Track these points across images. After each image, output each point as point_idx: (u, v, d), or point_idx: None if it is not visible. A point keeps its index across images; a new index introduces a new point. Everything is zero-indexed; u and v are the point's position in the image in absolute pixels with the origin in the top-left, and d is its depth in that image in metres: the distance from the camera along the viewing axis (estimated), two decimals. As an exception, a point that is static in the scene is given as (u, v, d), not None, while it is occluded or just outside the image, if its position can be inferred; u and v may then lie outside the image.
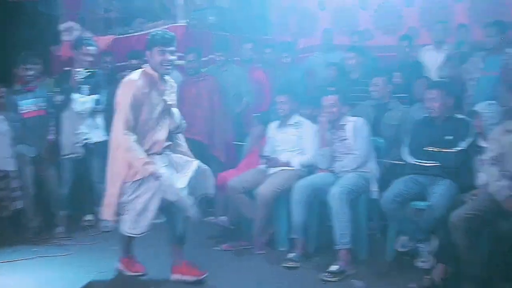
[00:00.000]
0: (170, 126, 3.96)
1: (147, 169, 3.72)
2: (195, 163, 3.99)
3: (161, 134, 3.91)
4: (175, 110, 4.00)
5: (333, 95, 4.67)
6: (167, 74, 3.94)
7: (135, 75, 3.88)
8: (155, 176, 3.72)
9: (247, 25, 7.40)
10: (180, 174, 3.90)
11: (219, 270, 4.34)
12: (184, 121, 4.12)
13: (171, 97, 3.99)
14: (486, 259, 3.95)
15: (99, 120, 5.41)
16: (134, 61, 5.76)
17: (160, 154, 3.90)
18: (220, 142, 5.71)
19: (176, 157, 4.01)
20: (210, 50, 6.28)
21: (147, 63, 3.94)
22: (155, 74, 3.87)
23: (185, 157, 4.04)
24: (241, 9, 7.51)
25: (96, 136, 5.37)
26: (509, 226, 4.18)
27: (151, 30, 6.40)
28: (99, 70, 5.57)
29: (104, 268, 4.36)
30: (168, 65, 3.86)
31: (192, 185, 3.88)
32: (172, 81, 4.07)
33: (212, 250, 4.83)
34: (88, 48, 5.31)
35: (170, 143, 4.00)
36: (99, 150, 5.40)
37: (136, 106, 3.77)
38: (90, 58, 5.30)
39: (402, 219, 4.22)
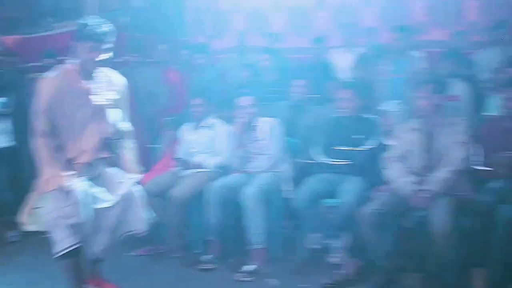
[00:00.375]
0: (104, 131, 3.45)
1: (55, 182, 3.23)
2: (125, 187, 3.45)
3: (90, 141, 3.38)
4: (112, 112, 3.47)
5: (249, 96, 4.71)
6: (93, 70, 3.39)
7: (52, 73, 3.37)
8: (64, 191, 3.21)
9: (162, 26, 7.33)
10: (107, 195, 3.39)
11: (134, 276, 4.28)
12: (129, 124, 3.65)
13: (106, 96, 3.42)
14: (394, 251, 4.13)
15: (7, 124, 5.13)
16: (50, 61, 5.51)
17: (90, 165, 3.41)
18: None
19: (110, 173, 3.48)
20: (124, 51, 6.14)
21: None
22: (78, 70, 3.34)
23: (121, 175, 3.49)
24: (156, 10, 7.41)
25: (3, 141, 5.10)
26: (414, 219, 4.42)
27: (61, 30, 6.24)
28: (6, 71, 5.31)
29: (11, 281, 4.16)
30: (96, 62, 3.33)
31: (116, 218, 3.42)
32: (113, 76, 3.53)
33: (126, 256, 4.73)
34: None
35: (107, 154, 3.49)
36: (6, 156, 5.16)
37: (52, 108, 3.28)
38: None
39: (314, 216, 4.32)
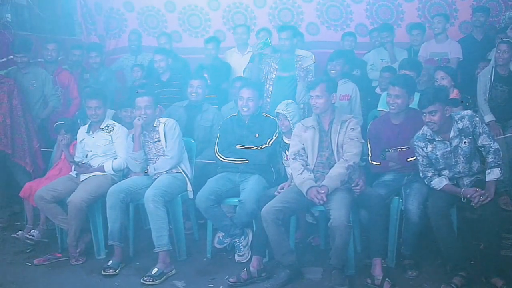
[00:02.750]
0: None
1: None
2: None
3: None
4: None
5: (146, 96, 4.63)
6: None
7: None
8: None
9: (51, 24, 7.02)
10: None
11: (33, 286, 4.10)
12: None
13: None
14: (296, 246, 4.28)
15: None
16: None
17: None
18: (24, 150, 5.32)
19: None
20: (8, 51, 5.81)
21: None
22: None
23: None
24: (43, 7, 7.06)
25: None
26: (315, 214, 4.60)
27: None
28: None
29: None
30: None
31: None
32: None
33: (23, 266, 4.51)
34: None
35: None
36: None
37: None
38: None
39: (217, 216, 4.35)
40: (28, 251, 4.75)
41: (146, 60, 6.47)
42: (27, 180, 5.02)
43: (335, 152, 4.07)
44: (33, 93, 5.61)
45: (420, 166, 3.95)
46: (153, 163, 4.62)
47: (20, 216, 5.31)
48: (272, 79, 5.28)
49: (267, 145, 4.48)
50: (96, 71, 6.11)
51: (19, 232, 4.86)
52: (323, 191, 3.84)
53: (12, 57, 5.76)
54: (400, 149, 4.18)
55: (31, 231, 4.80)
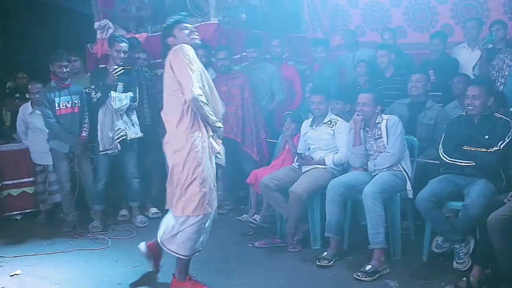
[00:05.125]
0: None
1: None
2: None
3: None
4: None
5: (367, 93, 4.64)
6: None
7: None
8: None
9: (280, 22, 7.41)
10: None
11: (251, 267, 4.38)
12: None
13: None
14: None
15: (134, 117, 5.45)
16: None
17: None
18: (252, 140, 5.74)
19: None
20: (242, 48, 6.29)
21: None
22: None
23: None
24: (273, 7, 7.50)
25: (133, 133, 5.41)
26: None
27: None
28: (133, 67, 5.61)
29: (139, 263, 4.36)
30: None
31: None
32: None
33: (245, 247, 4.86)
34: (121, 45, 5.37)
35: None
36: (135, 147, 5.48)
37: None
38: (123, 55, 5.36)
39: (437, 219, 4.17)
40: (250, 233, 5.12)
41: (365, 55, 6.45)
42: (253, 168, 5.39)
43: None
44: (261, 87, 5.99)
45: None
46: (374, 159, 4.60)
47: (245, 201, 5.73)
48: (504, 76, 4.88)
49: (498, 148, 4.13)
50: (321, 66, 6.28)
51: (244, 216, 5.26)
52: (562, 203, 3.45)
53: (245, 53, 6.23)
54: None
55: (254, 216, 5.14)
